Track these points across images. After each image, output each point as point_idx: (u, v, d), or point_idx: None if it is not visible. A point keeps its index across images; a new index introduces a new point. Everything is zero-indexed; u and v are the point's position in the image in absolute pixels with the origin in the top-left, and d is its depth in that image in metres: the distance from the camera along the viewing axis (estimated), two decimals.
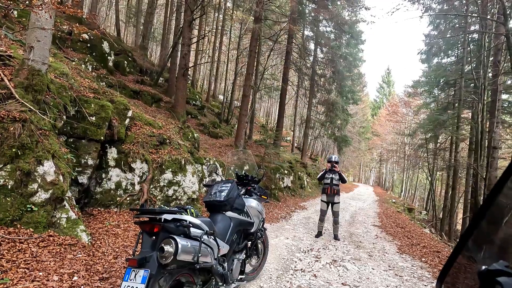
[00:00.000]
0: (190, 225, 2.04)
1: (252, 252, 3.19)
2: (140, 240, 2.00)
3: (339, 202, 5.96)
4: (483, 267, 0.58)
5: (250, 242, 3.07)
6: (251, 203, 3.07)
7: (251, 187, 3.26)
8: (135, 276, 1.75)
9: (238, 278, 2.73)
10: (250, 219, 2.98)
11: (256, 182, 3.36)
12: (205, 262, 2.10)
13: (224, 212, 2.70)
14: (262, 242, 3.47)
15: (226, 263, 2.53)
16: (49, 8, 3.11)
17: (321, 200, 6.10)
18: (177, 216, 1.98)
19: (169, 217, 1.91)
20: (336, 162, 6.08)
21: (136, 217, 2.04)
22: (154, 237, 1.91)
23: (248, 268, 3.22)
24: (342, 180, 6.02)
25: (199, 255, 1.98)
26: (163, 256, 1.80)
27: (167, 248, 1.80)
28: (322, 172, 6.21)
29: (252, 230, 3.02)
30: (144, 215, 1.98)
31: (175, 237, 1.85)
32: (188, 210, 2.26)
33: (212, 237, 2.27)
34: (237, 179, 3.31)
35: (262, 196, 3.26)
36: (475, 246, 0.69)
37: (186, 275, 2.09)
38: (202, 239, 2.07)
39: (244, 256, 2.94)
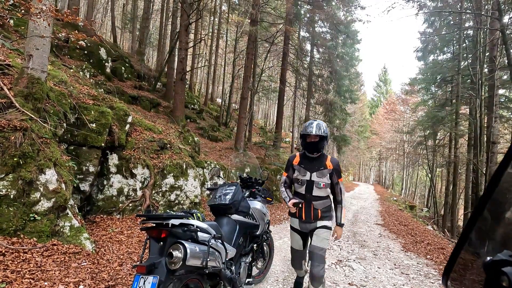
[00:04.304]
0: (198, 229, 2.03)
1: (258, 254, 3.17)
2: (147, 246, 1.99)
3: (328, 228, 2.63)
4: (488, 258, 0.58)
5: (256, 245, 3.05)
6: (256, 205, 3.05)
7: (255, 189, 3.24)
8: (144, 283, 1.73)
9: (246, 282, 2.71)
10: (256, 221, 2.96)
11: (260, 184, 3.35)
12: (214, 267, 2.08)
13: (229, 215, 2.69)
14: (267, 245, 3.45)
15: (233, 267, 2.51)
16: (48, 16, 3.10)
17: (291, 228, 2.80)
18: (184, 221, 1.96)
19: (176, 222, 1.89)
20: (322, 137, 2.55)
21: (142, 223, 2.02)
22: (161, 242, 1.89)
23: (254, 271, 3.20)
24: (334, 192, 2.68)
25: (208, 259, 1.96)
26: (172, 262, 1.78)
27: (176, 253, 1.79)
28: (283, 180, 2.77)
29: (257, 233, 3.01)
30: (151, 220, 1.96)
31: (183, 242, 1.83)
32: (194, 214, 2.24)
33: (220, 241, 2.26)
34: (241, 182, 3.30)
35: (267, 198, 3.25)
36: (478, 238, 0.68)
37: (194, 280, 2.07)
38: (210, 243, 2.05)
39: (251, 259, 2.92)
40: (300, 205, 2.61)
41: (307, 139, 2.58)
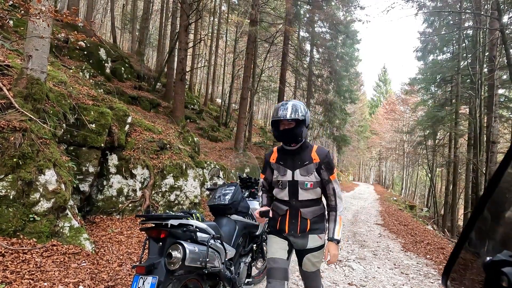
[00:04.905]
0: (197, 229, 2.03)
1: (257, 255, 3.17)
2: (147, 247, 1.99)
3: (320, 248, 1.99)
4: (488, 258, 0.58)
5: (255, 245, 3.05)
6: (255, 205, 3.05)
7: (254, 189, 3.25)
8: (143, 284, 1.73)
9: (245, 282, 2.71)
10: (255, 221, 2.96)
11: None
12: (213, 267, 2.08)
13: (229, 216, 2.69)
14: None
15: (233, 267, 2.51)
16: (47, 16, 3.10)
17: (269, 233, 2.14)
18: (184, 221, 1.97)
19: (175, 222, 1.89)
20: (299, 122, 1.92)
21: (142, 223, 2.02)
22: (161, 243, 1.90)
23: (253, 271, 3.20)
24: (326, 194, 2.00)
25: (207, 260, 1.96)
26: (171, 262, 1.78)
27: (175, 253, 1.79)
28: (260, 184, 2.23)
29: (257, 233, 3.01)
30: (150, 221, 1.96)
31: (183, 242, 1.83)
32: (193, 214, 2.24)
33: (219, 241, 2.26)
34: (240, 182, 3.30)
35: None
36: (478, 238, 0.68)
37: (193, 280, 2.07)
38: (209, 244, 2.05)
39: (250, 259, 2.92)
40: (271, 215, 2.05)
41: (280, 126, 1.95)
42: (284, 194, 1.99)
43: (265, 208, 2.06)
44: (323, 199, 2.05)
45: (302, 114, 1.91)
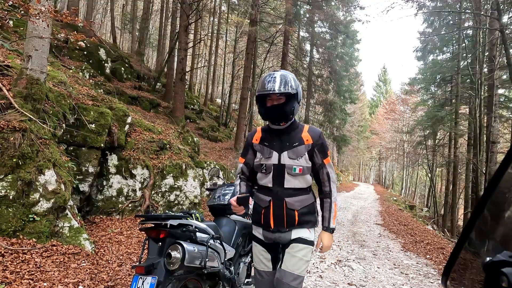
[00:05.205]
0: (196, 230, 2.03)
1: None
2: (146, 247, 1.99)
3: (309, 242, 1.70)
4: (488, 259, 0.58)
5: None
6: None
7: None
8: (142, 284, 1.73)
9: (245, 282, 2.71)
10: None
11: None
12: (212, 267, 2.08)
13: (228, 216, 2.69)
14: None
15: (232, 267, 2.51)
16: (47, 17, 3.10)
17: (252, 238, 1.89)
18: (183, 221, 1.97)
19: (175, 222, 1.89)
20: (290, 96, 1.63)
21: (141, 223, 2.03)
22: (160, 243, 1.90)
23: (253, 271, 3.20)
24: (319, 180, 1.76)
25: (206, 260, 1.96)
26: (171, 262, 1.78)
27: (174, 254, 1.79)
28: (239, 169, 1.94)
29: None
30: (150, 221, 1.96)
31: (182, 242, 1.83)
32: (193, 214, 2.24)
33: (218, 241, 2.26)
34: None
35: None
36: (478, 238, 0.68)
37: (193, 280, 2.07)
38: (209, 244, 2.05)
39: (250, 259, 2.91)
40: (251, 203, 1.75)
41: (267, 102, 1.67)
42: (267, 180, 1.71)
43: (243, 194, 1.74)
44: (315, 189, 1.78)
45: (293, 87, 1.62)
